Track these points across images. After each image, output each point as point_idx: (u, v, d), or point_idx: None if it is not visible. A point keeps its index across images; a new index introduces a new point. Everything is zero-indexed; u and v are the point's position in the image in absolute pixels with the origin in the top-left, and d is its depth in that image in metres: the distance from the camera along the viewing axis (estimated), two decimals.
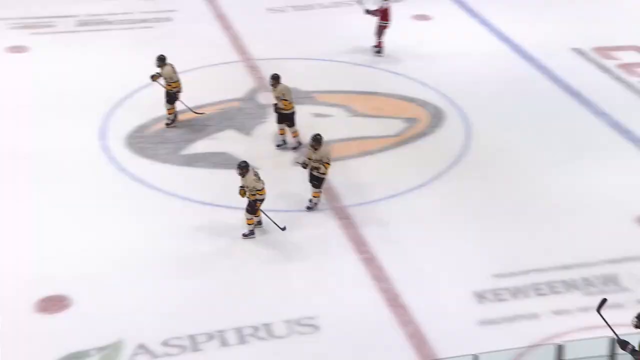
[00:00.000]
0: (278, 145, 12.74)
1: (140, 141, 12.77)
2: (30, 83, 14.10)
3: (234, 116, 13.63)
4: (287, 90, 12.35)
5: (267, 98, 14.25)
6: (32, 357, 8.87)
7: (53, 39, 15.74)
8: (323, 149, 10.97)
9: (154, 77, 12.81)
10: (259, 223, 10.90)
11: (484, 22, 17.34)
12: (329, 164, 11.03)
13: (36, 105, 13.44)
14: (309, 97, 14.36)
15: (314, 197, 11.29)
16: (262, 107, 13.99)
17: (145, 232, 10.68)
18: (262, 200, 10.67)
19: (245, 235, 10.75)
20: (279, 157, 12.73)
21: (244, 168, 10.46)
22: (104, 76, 14.28)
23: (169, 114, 13.00)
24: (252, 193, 10.52)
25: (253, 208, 10.62)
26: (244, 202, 10.81)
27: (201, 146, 12.68)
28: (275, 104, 12.44)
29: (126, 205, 11.26)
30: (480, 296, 10.04)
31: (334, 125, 13.62)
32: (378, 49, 15.96)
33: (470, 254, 10.74)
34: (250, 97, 14.31)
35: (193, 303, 9.76)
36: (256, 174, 10.62)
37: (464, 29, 17.11)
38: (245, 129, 13.36)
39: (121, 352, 8.99)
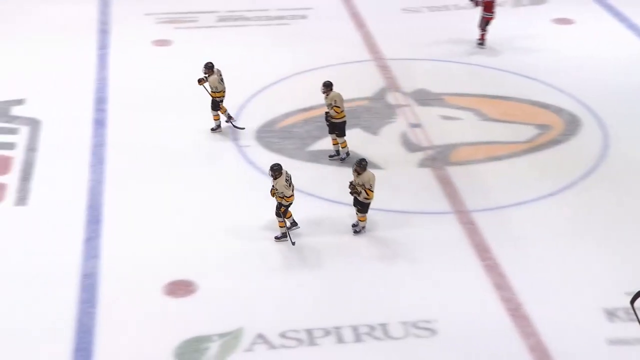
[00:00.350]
0: (331, 157, 12.44)
1: (269, 135, 13.09)
2: (172, 75, 14.75)
3: (361, 115, 13.71)
4: (340, 98, 11.99)
5: (397, 98, 14.24)
6: (158, 338, 9.30)
7: (194, 34, 16.38)
8: (365, 175, 10.45)
9: (200, 81, 12.77)
10: (294, 224, 10.78)
11: (632, 27, 16.52)
12: (371, 190, 10.48)
13: (176, 97, 14.04)
14: (438, 99, 14.22)
15: (360, 221, 10.85)
16: (391, 107, 13.98)
17: (267, 224, 10.93)
18: (287, 206, 10.57)
19: (277, 238, 10.71)
20: (403, 158, 12.69)
21: (276, 171, 10.37)
22: (240, 70, 14.72)
23: (215, 119, 12.97)
24: (280, 196, 10.47)
25: (278, 211, 10.57)
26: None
27: (327, 143, 12.83)
28: (327, 112, 12.13)
29: (253, 197, 11.57)
30: (611, 314, 9.61)
31: (462, 129, 13.42)
32: (480, 41, 15.72)
33: (601, 268, 10.30)
34: (379, 96, 14.34)
35: (312, 297, 9.92)
36: (288, 179, 10.48)
37: (608, 34, 16.39)
38: (371, 129, 13.40)
39: (241, 340, 9.27)
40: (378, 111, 13.87)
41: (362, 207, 10.72)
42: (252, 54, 15.52)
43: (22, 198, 11.39)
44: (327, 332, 9.41)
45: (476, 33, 15.78)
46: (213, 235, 10.76)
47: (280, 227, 10.71)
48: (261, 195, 11.12)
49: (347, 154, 12.46)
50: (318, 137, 13.07)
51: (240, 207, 11.40)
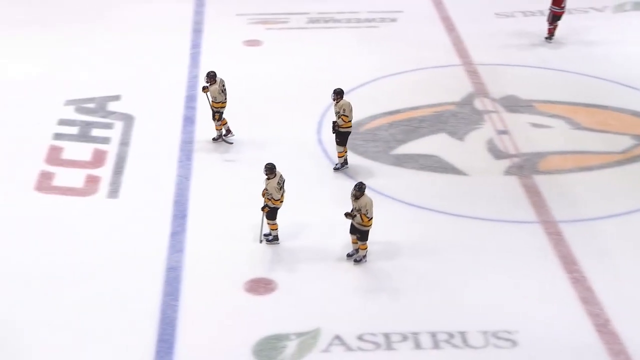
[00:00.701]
0: (335, 169, 12.17)
1: (353, 137, 13.09)
2: (261, 75, 14.97)
3: (448, 120, 13.55)
4: (349, 106, 11.76)
5: (485, 104, 14.01)
6: (236, 334, 9.44)
7: (284, 35, 16.56)
8: (363, 199, 9.97)
9: (204, 89, 12.61)
10: (276, 238, 10.60)
11: None
12: (367, 216, 9.98)
13: (264, 96, 14.25)
14: (528, 106, 13.90)
15: (360, 249, 10.32)
16: (478, 112, 13.76)
17: (345, 225, 10.93)
18: (274, 210, 10.43)
19: (269, 241, 10.65)
20: (489, 164, 12.46)
21: (270, 171, 10.28)
22: (328, 71, 14.81)
23: (217, 129, 12.76)
24: (269, 198, 10.36)
25: (267, 212, 10.41)
26: (443, 206, 10.70)
27: (412, 147, 12.75)
28: (334, 121, 11.88)
29: (339, 199, 11.57)
30: None
31: (552, 137, 13.09)
32: (548, 35, 15.50)
33: None
34: (467, 101, 14.13)
35: (391, 302, 9.87)
36: (280, 183, 10.36)
37: None
38: (457, 134, 13.23)
39: (318, 340, 9.31)
40: (465, 116, 13.67)
41: (361, 234, 10.18)
42: (341, 55, 15.58)
43: (113, 191, 11.78)
44: (404, 337, 9.35)
45: (570, 37, 15.35)
46: (296, 235, 10.85)
47: (272, 229, 10.62)
48: (346, 197, 11.10)
49: (342, 164, 12.16)
50: (402, 141, 12.99)
51: (324, 208, 11.43)
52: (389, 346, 9.26)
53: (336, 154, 12.24)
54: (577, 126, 13.42)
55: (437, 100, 14.00)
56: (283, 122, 13.38)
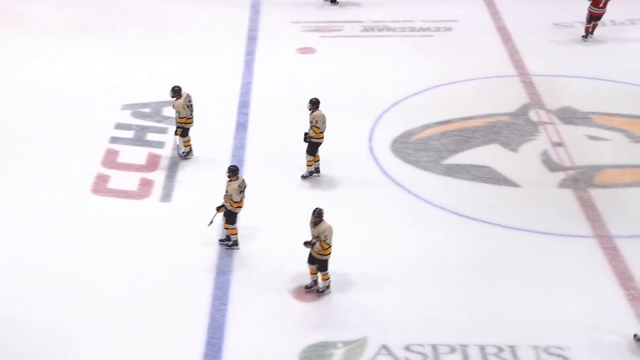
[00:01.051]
0: (303, 177, 12.15)
1: (405, 146, 13.04)
2: (314, 83, 15.01)
3: (502, 130, 13.38)
4: (322, 118, 11.75)
5: (539, 115, 13.80)
6: (283, 340, 9.47)
7: (338, 43, 16.59)
8: (322, 225, 9.61)
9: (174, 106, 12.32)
10: (235, 244, 10.57)
11: None
12: (327, 243, 9.64)
13: (324, 103, 14.26)
14: (584, 118, 13.64)
15: (322, 279, 9.91)
16: (533, 124, 13.55)
17: (393, 233, 10.88)
18: (232, 213, 10.42)
19: (228, 246, 10.65)
20: (543, 177, 12.25)
21: (232, 172, 10.26)
22: (381, 80, 14.77)
23: (184, 145, 12.55)
24: (228, 200, 10.31)
25: (222, 212, 10.41)
26: (494, 217, 10.54)
27: (464, 157, 12.62)
28: (306, 132, 11.85)
29: (386, 208, 11.55)
30: None
31: (609, 150, 12.81)
32: (585, 34, 15.48)
33: None
34: (521, 112, 13.93)
35: (439, 313, 9.77)
36: (241, 186, 10.37)
37: None
38: (511, 145, 13.04)
39: (365, 350, 9.27)
40: (519, 127, 13.48)
41: (320, 264, 9.81)
42: (394, 64, 15.54)
43: (166, 195, 11.95)
44: (452, 349, 9.24)
45: (628, 48, 15.04)
46: (347, 243, 10.82)
47: (231, 233, 10.65)
48: (389, 206, 11.05)
49: (311, 173, 12.15)
50: (454, 151, 12.87)
51: (373, 219, 11.39)
52: (437, 358, 9.16)
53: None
54: (635, 139, 13.10)
55: (491, 111, 13.83)
56: (334, 130, 13.36)
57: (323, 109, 11.77)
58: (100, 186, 12.02)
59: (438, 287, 10.16)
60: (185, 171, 12.47)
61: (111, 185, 12.06)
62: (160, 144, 13.13)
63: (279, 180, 12.26)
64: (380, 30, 17.01)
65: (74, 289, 10.11)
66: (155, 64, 15.48)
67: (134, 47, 16.08)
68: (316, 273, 10.04)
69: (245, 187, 10.59)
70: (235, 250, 10.72)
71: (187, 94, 12.39)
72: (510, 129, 13.43)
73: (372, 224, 11.27)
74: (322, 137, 11.95)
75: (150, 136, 13.34)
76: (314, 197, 11.81)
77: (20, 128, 13.30)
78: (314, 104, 11.82)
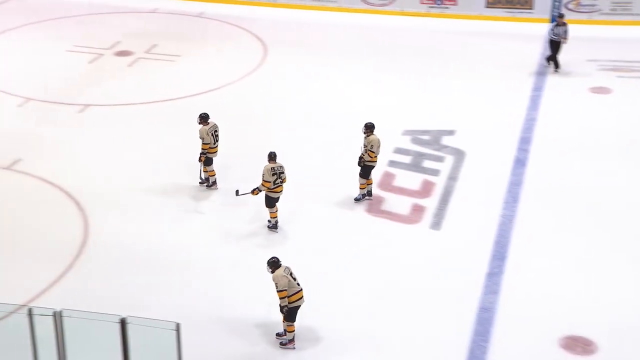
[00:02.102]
0: (356, 199, 12.16)
1: None
2: (604, 124, 14.10)
3: None
4: (377, 142, 11.86)
5: None
6: None
7: (638, 84, 15.45)
8: (274, 274, 9.36)
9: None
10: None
11: None
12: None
13: (606, 147, 13.38)
14: None
15: (287, 331, 9.53)
16: None
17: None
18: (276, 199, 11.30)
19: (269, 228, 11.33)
20: None
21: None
22: None
23: (210, 175, 12.44)
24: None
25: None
26: None
27: None
28: (361, 155, 11.86)
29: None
30: None
31: None
32: None
33: None
34: None
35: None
36: (276, 170, 11.21)
37: None
38: None
39: None
40: None
41: (282, 312, 9.46)
42: None
43: (436, 223, 11.87)
44: None
45: None
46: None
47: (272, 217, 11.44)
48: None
49: (363, 196, 12.20)
50: None
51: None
52: None
53: None
54: None
55: None
56: (628, 175, 12.38)
57: (611, 153, 10.97)
58: (375, 207, 12.27)
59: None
60: (458, 201, 12.29)
61: (385, 207, 12.26)
62: (435, 172, 13.12)
63: (556, 218, 11.60)
64: None
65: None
66: (437, 95, 15.54)
67: (417, 76, 16.29)
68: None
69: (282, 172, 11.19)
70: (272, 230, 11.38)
71: (214, 124, 12.40)
72: None
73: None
74: (376, 161, 12.07)
75: (427, 163, 13.39)
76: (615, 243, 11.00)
77: (306, 143, 13.95)
78: (369, 128, 11.96)
